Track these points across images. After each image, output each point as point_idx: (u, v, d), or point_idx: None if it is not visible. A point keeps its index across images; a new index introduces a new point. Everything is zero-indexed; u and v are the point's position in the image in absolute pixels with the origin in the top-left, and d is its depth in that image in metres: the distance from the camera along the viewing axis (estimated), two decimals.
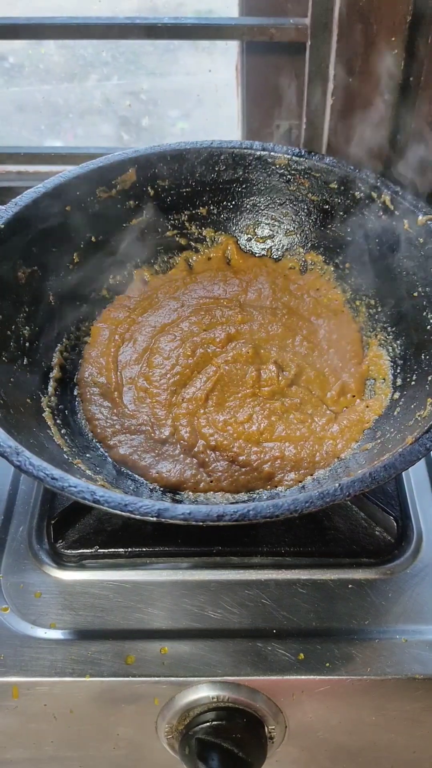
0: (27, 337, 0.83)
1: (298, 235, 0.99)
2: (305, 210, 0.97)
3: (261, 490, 0.79)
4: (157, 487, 0.79)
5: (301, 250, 0.99)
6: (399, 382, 0.84)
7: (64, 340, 0.89)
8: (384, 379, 0.86)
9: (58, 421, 0.81)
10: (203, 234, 1.01)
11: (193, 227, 1.00)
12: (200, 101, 1.43)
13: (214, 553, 0.77)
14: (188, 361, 0.87)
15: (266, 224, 1.00)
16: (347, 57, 0.95)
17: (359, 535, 0.78)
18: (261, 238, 1.01)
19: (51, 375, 0.85)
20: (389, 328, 0.89)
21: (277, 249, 1.00)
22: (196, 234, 1.01)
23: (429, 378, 0.77)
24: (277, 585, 0.75)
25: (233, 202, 0.99)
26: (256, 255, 1.01)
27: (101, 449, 0.82)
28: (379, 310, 0.91)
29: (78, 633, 0.72)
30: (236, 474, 0.79)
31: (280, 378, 0.85)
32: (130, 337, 0.92)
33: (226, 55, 1.14)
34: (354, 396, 0.86)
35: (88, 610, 0.73)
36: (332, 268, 0.97)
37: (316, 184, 0.94)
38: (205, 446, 0.81)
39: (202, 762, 0.68)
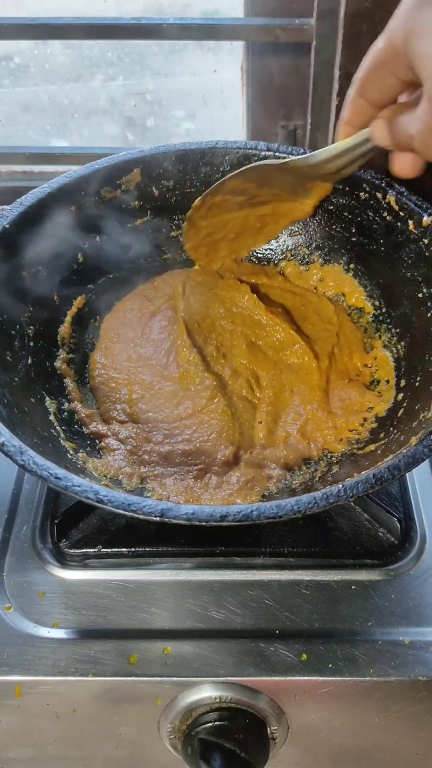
0: (31, 337, 0.83)
1: (302, 236, 0.99)
2: None
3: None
4: None
5: (306, 250, 0.99)
6: (403, 383, 0.84)
7: (68, 340, 0.89)
8: (388, 380, 0.86)
9: (61, 420, 0.81)
10: None
11: None
12: (205, 102, 1.43)
13: (217, 553, 0.77)
14: (180, 408, 0.84)
15: None
16: (353, 57, 0.95)
17: (363, 537, 0.78)
18: None
19: (55, 374, 0.85)
20: (393, 330, 0.89)
21: (281, 250, 1.00)
22: None
23: None
24: (280, 586, 0.75)
25: None
26: (260, 256, 1.01)
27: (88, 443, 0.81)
28: (384, 311, 0.91)
29: (81, 632, 0.72)
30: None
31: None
32: (134, 343, 0.91)
33: (232, 55, 1.14)
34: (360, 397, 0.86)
35: (91, 609, 0.73)
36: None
37: None
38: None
39: (205, 762, 0.68)
